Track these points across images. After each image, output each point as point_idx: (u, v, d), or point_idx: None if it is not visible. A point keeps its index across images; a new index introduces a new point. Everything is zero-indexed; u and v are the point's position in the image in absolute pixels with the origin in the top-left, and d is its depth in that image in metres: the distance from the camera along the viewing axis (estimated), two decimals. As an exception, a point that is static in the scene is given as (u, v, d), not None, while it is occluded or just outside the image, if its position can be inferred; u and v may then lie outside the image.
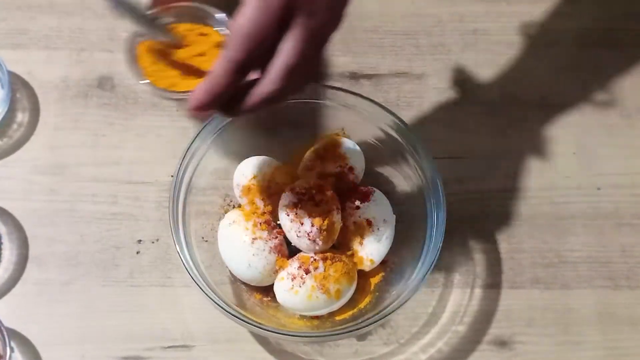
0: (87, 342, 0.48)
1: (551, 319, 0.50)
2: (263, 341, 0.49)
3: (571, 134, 0.56)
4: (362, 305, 0.48)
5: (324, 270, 0.46)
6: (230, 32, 0.37)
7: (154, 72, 0.52)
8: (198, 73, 0.52)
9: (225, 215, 0.49)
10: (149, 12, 0.52)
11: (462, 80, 0.58)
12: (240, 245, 0.46)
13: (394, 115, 0.49)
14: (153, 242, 0.51)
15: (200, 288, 0.44)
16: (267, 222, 0.47)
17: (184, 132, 0.54)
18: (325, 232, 0.46)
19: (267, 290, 0.48)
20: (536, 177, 0.54)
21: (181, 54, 0.52)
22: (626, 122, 0.56)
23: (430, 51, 0.59)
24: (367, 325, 0.44)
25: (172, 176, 0.47)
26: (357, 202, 0.48)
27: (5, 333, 0.45)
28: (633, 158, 0.55)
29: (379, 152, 0.51)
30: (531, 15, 0.60)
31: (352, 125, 0.51)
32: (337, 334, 0.45)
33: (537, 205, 0.53)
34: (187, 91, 0.51)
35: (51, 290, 0.50)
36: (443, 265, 0.51)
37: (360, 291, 0.48)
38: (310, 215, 0.46)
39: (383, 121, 0.50)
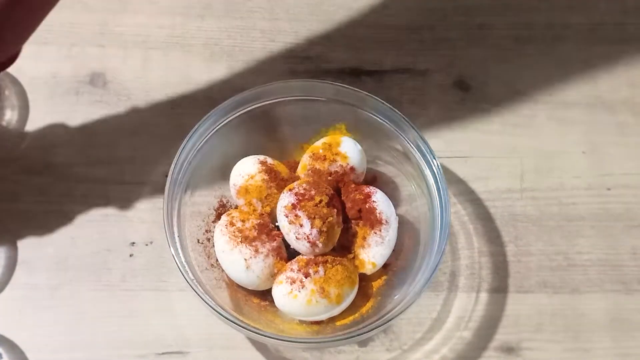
0: (78, 348, 0.47)
1: (560, 325, 0.49)
2: (261, 347, 0.48)
3: (580, 132, 0.55)
4: (363, 310, 0.47)
5: (324, 274, 0.45)
6: None
7: None
8: None
9: (222, 216, 0.48)
10: None
11: (467, 76, 0.57)
12: (237, 247, 0.45)
13: (396, 113, 0.48)
14: (147, 245, 0.50)
15: (196, 292, 0.43)
16: (265, 224, 0.47)
17: (178, 130, 0.53)
18: (325, 235, 0.45)
19: (265, 295, 0.47)
20: (544, 177, 0.54)
21: None
22: (637, 121, 0.56)
23: (434, 46, 0.58)
24: (369, 331, 0.43)
25: (166, 176, 0.47)
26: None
27: (-8, 339, 0.44)
28: (644, 157, 0.55)
29: (381, 151, 0.51)
30: (539, 9, 0.60)
31: (353, 123, 0.50)
32: (338, 340, 0.44)
33: (545, 206, 0.52)
34: None
35: (41, 295, 0.49)
36: (447, 268, 0.50)
37: (361, 295, 0.47)
38: (309, 217, 0.45)
39: (385, 119, 0.49)
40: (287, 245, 0.47)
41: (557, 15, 0.59)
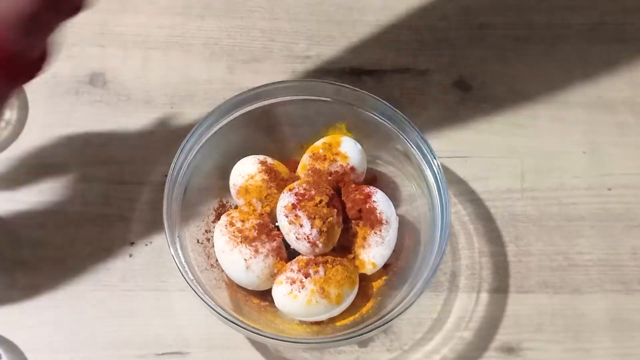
0: (78, 349, 0.47)
1: (561, 325, 0.49)
2: (261, 348, 0.48)
3: (581, 132, 0.55)
4: (363, 311, 0.47)
5: (324, 274, 0.45)
6: None
7: None
8: None
9: (222, 216, 0.47)
10: None
11: (467, 76, 0.57)
12: (237, 248, 0.45)
13: (396, 113, 0.48)
14: (146, 245, 0.50)
15: (196, 292, 0.43)
16: (264, 224, 0.46)
17: (178, 131, 0.54)
18: (325, 235, 0.45)
19: (265, 295, 0.47)
20: (544, 177, 0.53)
21: None
22: (638, 120, 0.56)
23: (434, 46, 0.58)
24: (369, 331, 0.43)
25: (166, 176, 0.46)
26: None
27: (-9, 340, 0.44)
28: (645, 157, 0.54)
29: (381, 151, 0.50)
30: (539, 9, 0.59)
31: (354, 123, 0.50)
32: (338, 340, 0.44)
33: (546, 206, 0.52)
34: None
35: (40, 296, 0.48)
36: (448, 268, 0.50)
37: (361, 296, 0.47)
38: (309, 217, 0.45)
39: (385, 119, 0.49)
40: (287, 246, 0.47)
41: (557, 15, 0.59)
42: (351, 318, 0.46)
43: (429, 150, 0.47)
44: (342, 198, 0.48)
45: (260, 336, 0.42)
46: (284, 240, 0.46)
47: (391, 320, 0.43)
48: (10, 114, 0.54)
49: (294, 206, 0.45)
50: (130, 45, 0.57)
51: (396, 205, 0.48)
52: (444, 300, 0.49)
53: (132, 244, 0.50)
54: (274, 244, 0.46)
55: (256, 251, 0.45)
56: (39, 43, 0.39)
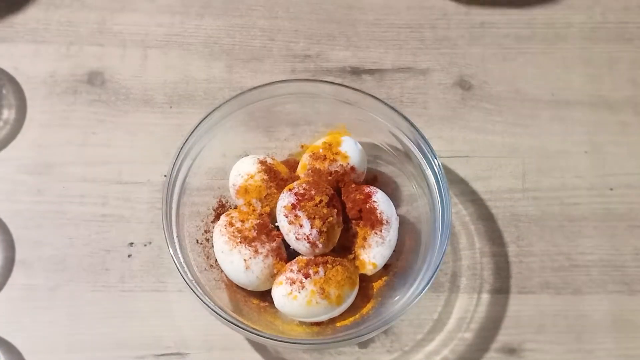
0: (76, 350, 0.47)
1: (562, 326, 0.48)
2: (260, 348, 0.47)
3: (582, 132, 0.55)
4: (364, 311, 0.46)
5: (324, 275, 0.44)
6: None
7: None
8: None
9: (221, 216, 0.47)
10: None
11: (468, 75, 0.57)
12: (237, 248, 0.45)
13: (397, 113, 0.48)
14: (145, 245, 0.50)
15: (195, 293, 0.43)
16: (264, 224, 0.46)
17: (177, 130, 0.53)
18: (325, 235, 0.45)
19: (265, 296, 0.47)
20: (546, 177, 0.53)
21: None
22: (640, 120, 0.55)
23: (435, 45, 0.58)
24: (369, 332, 0.43)
25: (165, 176, 0.47)
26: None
27: (-11, 341, 0.43)
28: (647, 157, 0.54)
29: (382, 150, 0.50)
30: (541, 8, 0.59)
31: (354, 122, 0.50)
32: (338, 341, 0.44)
33: (547, 206, 0.52)
34: None
35: (38, 296, 0.48)
36: (449, 269, 0.50)
37: (362, 296, 0.47)
38: (309, 217, 0.44)
39: (386, 118, 0.49)
40: (287, 246, 0.46)
41: (558, 14, 0.59)
42: (351, 319, 0.46)
43: (429, 149, 0.47)
44: (342, 198, 0.48)
45: (260, 337, 0.42)
46: (283, 240, 0.46)
47: (391, 321, 0.43)
48: (8, 113, 0.54)
49: (293, 206, 0.45)
50: (128, 44, 0.57)
51: (397, 205, 0.48)
52: (445, 300, 0.49)
53: (131, 244, 0.50)
54: (274, 244, 0.46)
55: (256, 251, 0.45)
56: None
